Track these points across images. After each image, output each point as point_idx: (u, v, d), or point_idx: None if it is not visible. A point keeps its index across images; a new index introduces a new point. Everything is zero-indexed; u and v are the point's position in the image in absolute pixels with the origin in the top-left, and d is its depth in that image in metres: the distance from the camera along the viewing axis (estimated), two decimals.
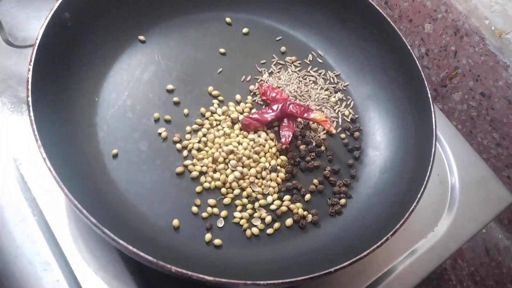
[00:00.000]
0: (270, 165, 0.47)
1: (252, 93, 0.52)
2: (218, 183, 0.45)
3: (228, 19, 0.55)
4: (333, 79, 0.54)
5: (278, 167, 0.47)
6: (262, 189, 0.46)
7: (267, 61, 0.54)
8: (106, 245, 0.41)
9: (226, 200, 0.44)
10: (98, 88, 0.47)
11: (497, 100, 0.58)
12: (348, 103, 0.53)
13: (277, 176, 0.46)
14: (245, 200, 0.45)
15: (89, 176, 0.41)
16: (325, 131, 0.50)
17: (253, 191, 0.45)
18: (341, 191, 0.47)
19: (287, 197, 0.46)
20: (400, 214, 0.39)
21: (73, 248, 0.41)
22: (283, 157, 0.48)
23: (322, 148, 0.49)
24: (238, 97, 0.51)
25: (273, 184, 0.46)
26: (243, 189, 0.45)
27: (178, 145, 0.46)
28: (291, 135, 0.47)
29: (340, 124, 0.52)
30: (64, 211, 0.43)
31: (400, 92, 0.51)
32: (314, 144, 0.49)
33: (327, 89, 0.53)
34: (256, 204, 0.45)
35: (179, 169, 0.45)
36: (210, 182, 0.45)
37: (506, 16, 0.54)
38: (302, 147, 0.48)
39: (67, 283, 0.40)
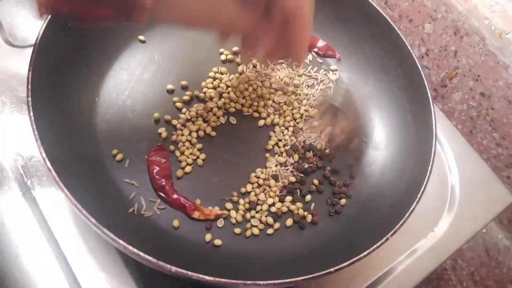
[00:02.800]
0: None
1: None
2: None
3: None
4: (330, 73, 0.54)
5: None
6: (265, 194, 0.45)
7: None
8: (106, 245, 0.41)
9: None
10: (98, 88, 0.47)
11: (497, 100, 0.58)
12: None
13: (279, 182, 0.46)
14: (246, 205, 0.44)
15: (89, 176, 0.41)
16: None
17: (258, 199, 0.45)
18: (341, 191, 0.47)
19: (288, 198, 0.46)
20: (400, 214, 0.39)
21: (73, 248, 0.41)
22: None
23: (326, 150, 0.49)
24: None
25: (275, 188, 0.46)
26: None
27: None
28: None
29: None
30: (64, 211, 0.43)
31: (400, 92, 0.51)
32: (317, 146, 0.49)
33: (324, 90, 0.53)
34: (258, 207, 0.45)
35: (179, 169, 0.45)
36: None
37: (506, 16, 0.54)
38: (309, 154, 0.48)
39: (67, 283, 0.40)
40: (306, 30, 0.33)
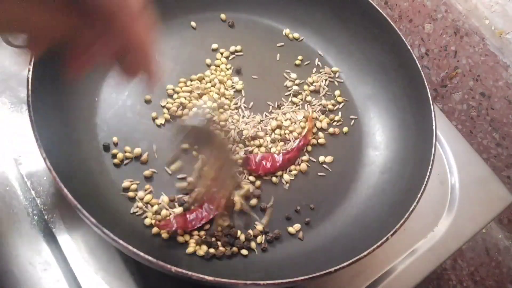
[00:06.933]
0: None
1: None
2: None
3: (228, 19, 0.55)
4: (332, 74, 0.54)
5: None
6: None
7: None
8: (106, 245, 0.41)
9: None
10: (98, 88, 0.47)
11: (497, 100, 0.58)
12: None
13: None
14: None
15: (89, 176, 0.41)
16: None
17: None
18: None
19: None
20: (400, 214, 0.39)
21: (73, 248, 0.41)
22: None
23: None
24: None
25: None
26: None
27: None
28: None
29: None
30: (64, 211, 0.42)
31: (400, 92, 0.51)
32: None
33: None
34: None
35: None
36: None
37: (506, 16, 0.54)
38: None
39: (67, 283, 0.40)
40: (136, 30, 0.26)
